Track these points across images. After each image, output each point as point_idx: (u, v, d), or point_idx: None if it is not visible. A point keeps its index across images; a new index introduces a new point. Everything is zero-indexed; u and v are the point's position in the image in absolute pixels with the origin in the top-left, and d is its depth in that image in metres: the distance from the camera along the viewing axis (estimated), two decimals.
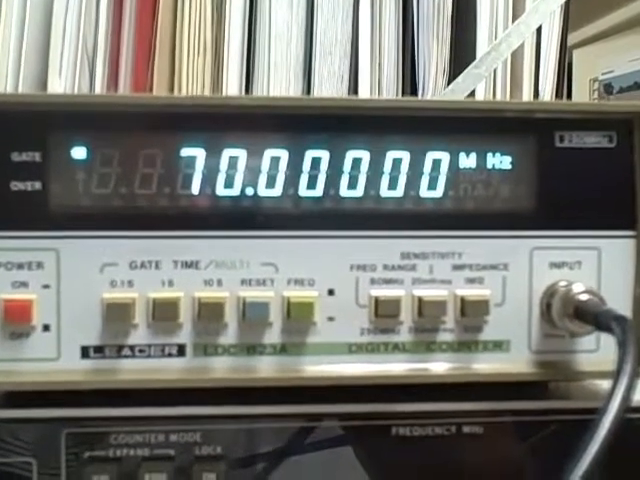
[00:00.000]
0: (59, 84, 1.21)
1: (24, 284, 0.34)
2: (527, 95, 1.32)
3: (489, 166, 0.36)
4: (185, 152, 0.35)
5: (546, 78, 1.35)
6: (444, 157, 0.36)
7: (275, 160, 0.35)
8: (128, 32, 1.23)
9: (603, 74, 1.52)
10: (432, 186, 0.36)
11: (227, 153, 0.35)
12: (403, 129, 0.36)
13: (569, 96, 1.53)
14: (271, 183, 0.35)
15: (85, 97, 0.36)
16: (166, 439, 0.35)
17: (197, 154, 0.35)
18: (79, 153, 0.34)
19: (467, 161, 0.36)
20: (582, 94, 1.52)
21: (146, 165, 0.34)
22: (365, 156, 0.35)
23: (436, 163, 0.36)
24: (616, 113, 0.36)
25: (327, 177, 0.35)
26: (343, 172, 0.35)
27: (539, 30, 1.25)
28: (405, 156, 0.35)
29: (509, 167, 0.36)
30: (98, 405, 0.35)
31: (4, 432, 0.34)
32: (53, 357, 0.34)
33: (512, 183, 0.36)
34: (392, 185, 0.35)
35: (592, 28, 1.50)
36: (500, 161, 0.36)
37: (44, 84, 1.22)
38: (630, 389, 0.27)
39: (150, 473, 0.34)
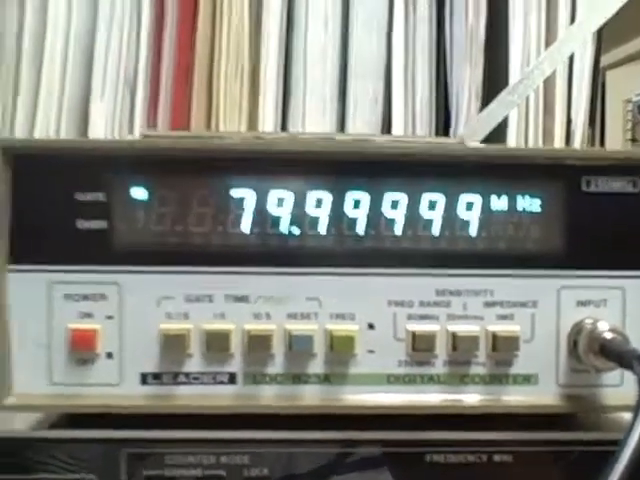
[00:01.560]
0: (100, 108, 1.25)
1: (89, 315, 0.36)
2: (559, 120, 1.33)
3: (519, 208, 0.37)
4: (235, 193, 0.37)
5: (579, 102, 1.35)
6: (477, 200, 0.37)
7: (319, 202, 0.37)
8: (168, 59, 1.26)
9: (637, 95, 1.52)
10: (466, 227, 0.37)
11: (274, 194, 0.37)
12: (438, 173, 0.37)
13: (602, 119, 1.53)
14: (315, 223, 0.37)
15: (145, 143, 0.38)
16: (217, 461, 0.36)
17: (247, 195, 0.37)
18: (139, 194, 0.36)
19: (499, 203, 0.37)
20: (615, 116, 1.52)
21: (200, 205, 0.37)
22: (403, 198, 0.37)
23: (469, 205, 0.37)
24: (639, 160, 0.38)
25: (367, 218, 0.37)
26: (382, 213, 0.37)
27: (571, 56, 1.26)
28: (440, 198, 0.37)
29: (539, 210, 0.37)
30: (155, 428, 0.36)
31: (70, 450, 0.36)
32: (115, 383, 0.36)
33: (541, 225, 0.37)
34: (428, 226, 0.37)
35: (625, 49, 1.50)
36: (530, 204, 0.37)
37: (86, 109, 1.26)
38: None
39: None
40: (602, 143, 1.50)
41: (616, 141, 1.52)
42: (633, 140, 1.53)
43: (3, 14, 1.24)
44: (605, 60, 1.44)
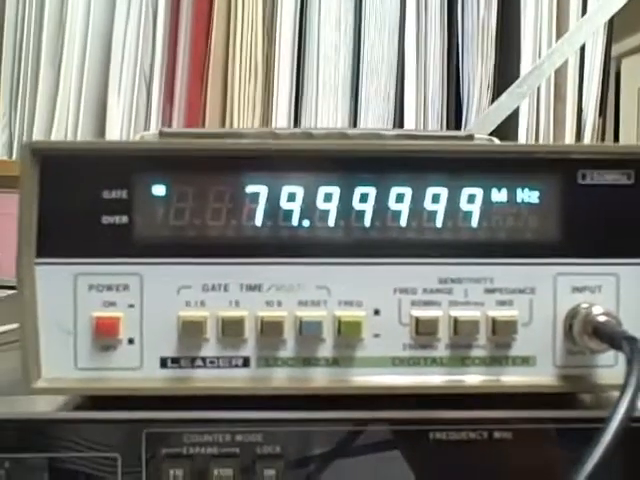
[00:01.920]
0: (118, 103, 1.27)
1: (112, 303, 0.38)
2: (570, 110, 1.34)
3: (518, 200, 0.39)
4: (250, 189, 0.39)
5: (589, 93, 1.36)
6: (478, 192, 0.39)
7: (328, 196, 0.39)
8: (183, 55, 1.28)
9: None
10: (467, 218, 0.39)
11: (286, 190, 0.39)
12: (442, 168, 0.39)
13: (617, 107, 1.53)
14: (324, 216, 0.39)
15: (164, 144, 0.40)
16: (232, 439, 0.38)
17: (260, 191, 0.39)
18: (159, 190, 0.38)
19: (499, 196, 0.39)
20: (630, 103, 1.52)
21: (216, 200, 0.39)
22: (408, 192, 0.39)
23: (471, 198, 0.39)
24: (633, 154, 0.39)
25: (374, 210, 0.39)
26: (388, 206, 0.39)
27: (582, 46, 1.26)
28: (443, 192, 0.39)
29: (537, 201, 0.39)
30: (174, 409, 0.38)
31: (94, 431, 0.38)
32: (136, 367, 0.38)
33: (539, 215, 0.39)
34: (431, 217, 0.39)
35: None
36: (528, 196, 0.39)
37: (104, 103, 1.28)
38: (634, 400, 0.31)
39: (218, 469, 0.38)
40: (616, 131, 1.51)
41: (631, 129, 1.52)
42: None
43: (23, 11, 1.26)
44: (620, 48, 1.45)
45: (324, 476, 0.39)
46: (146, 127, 1.28)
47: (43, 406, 0.39)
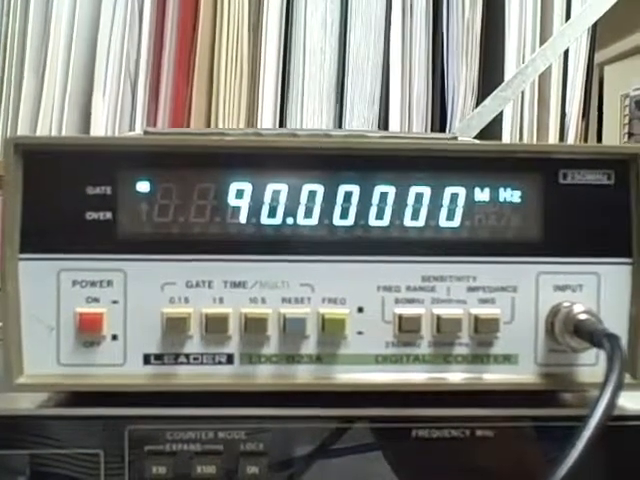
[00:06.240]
0: (102, 103, 1.27)
1: (96, 299, 0.38)
2: (554, 114, 1.34)
3: (501, 199, 0.40)
4: (234, 186, 0.39)
5: (573, 97, 1.37)
6: (461, 192, 0.39)
7: (312, 194, 0.39)
8: (168, 55, 1.28)
9: (634, 90, 1.54)
10: (450, 217, 0.39)
11: (270, 187, 0.39)
12: (425, 167, 0.39)
13: (600, 113, 1.54)
14: (309, 214, 0.39)
15: (149, 140, 0.40)
16: (215, 436, 0.38)
17: (244, 188, 0.39)
18: (143, 187, 0.38)
19: (481, 195, 0.39)
20: (613, 110, 1.54)
21: (200, 197, 0.39)
22: (391, 190, 0.39)
23: (454, 197, 0.39)
24: (614, 154, 0.40)
25: (357, 209, 0.39)
26: (372, 204, 0.39)
27: (566, 50, 1.27)
28: (426, 191, 0.39)
29: (519, 201, 0.40)
30: (157, 405, 0.38)
31: (77, 427, 0.38)
32: (120, 363, 0.38)
33: (521, 215, 0.39)
34: (415, 216, 0.39)
35: (623, 45, 1.52)
36: (511, 195, 0.40)
37: (88, 103, 1.28)
38: (615, 396, 0.31)
39: (201, 466, 0.38)
40: (599, 137, 1.52)
41: (613, 135, 1.53)
42: (630, 134, 1.55)
43: (8, 9, 1.25)
44: (603, 55, 1.46)
45: (307, 473, 0.39)
46: (131, 128, 1.28)
47: (25, 402, 0.39)
